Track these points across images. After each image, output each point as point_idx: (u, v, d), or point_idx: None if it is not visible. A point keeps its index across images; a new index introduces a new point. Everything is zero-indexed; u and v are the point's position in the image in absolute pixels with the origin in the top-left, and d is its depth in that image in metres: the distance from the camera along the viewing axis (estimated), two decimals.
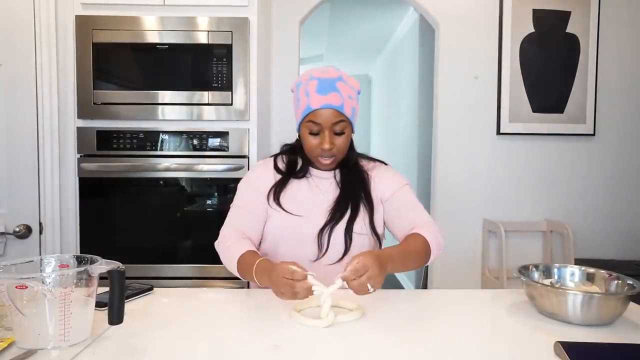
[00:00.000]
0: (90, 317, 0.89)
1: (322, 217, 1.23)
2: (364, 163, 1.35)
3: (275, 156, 1.36)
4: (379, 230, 1.28)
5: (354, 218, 1.23)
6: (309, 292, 0.96)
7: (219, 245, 1.24)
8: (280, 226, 1.24)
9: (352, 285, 0.96)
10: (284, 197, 1.26)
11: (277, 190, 1.27)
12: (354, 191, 1.27)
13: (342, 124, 1.19)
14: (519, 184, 2.69)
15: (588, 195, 2.69)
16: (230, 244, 1.19)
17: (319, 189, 1.28)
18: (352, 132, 1.25)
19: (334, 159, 1.23)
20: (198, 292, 1.27)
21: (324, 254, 1.22)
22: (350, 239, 1.21)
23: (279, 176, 1.30)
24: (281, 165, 1.33)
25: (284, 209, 1.24)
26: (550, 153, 2.68)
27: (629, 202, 2.71)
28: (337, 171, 1.31)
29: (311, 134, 1.20)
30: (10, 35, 1.72)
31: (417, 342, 0.90)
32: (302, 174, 1.30)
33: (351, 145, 1.30)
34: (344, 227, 1.22)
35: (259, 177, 1.31)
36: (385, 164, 1.38)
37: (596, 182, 2.70)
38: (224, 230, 1.25)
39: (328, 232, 1.22)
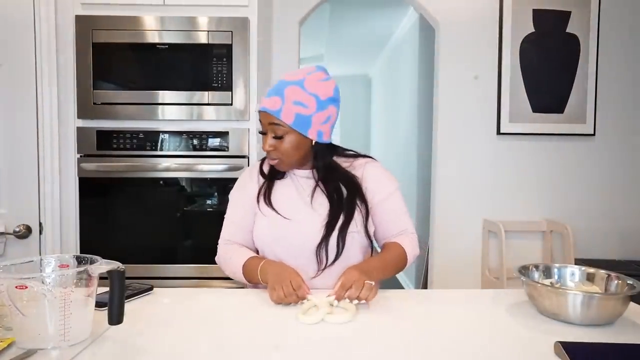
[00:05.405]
0: (90, 317, 0.89)
1: (313, 222, 1.21)
2: (347, 163, 1.30)
3: (262, 160, 1.35)
4: (371, 230, 1.27)
5: (347, 223, 1.21)
6: (296, 301, 1.06)
7: (220, 259, 1.29)
8: (272, 229, 1.23)
9: (350, 293, 1.05)
10: (273, 201, 1.26)
11: (265, 195, 1.27)
12: (344, 201, 1.23)
13: (282, 129, 1.17)
14: (519, 184, 2.69)
15: (588, 195, 2.69)
16: (230, 255, 1.25)
17: (303, 188, 1.27)
18: (313, 137, 1.19)
19: (278, 161, 1.22)
20: (198, 292, 1.27)
21: (323, 269, 1.21)
22: (344, 243, 1.20)
23: (263, 180, 1.30)
24: (266, 168, 1.32)
25: (275, 211, 1.24)
26: (551, 153, 2.68)
27: (628, 202, 2.71)
28: (314, 171, 1.28)
29: (261, 133, 1.23)
30: (10, 35, 1.71)
31: (417, 342, 0.90)
32: (281, 175, 1.30)
33: (323, 152, 1.24)
34: (337, 233, 1.20)
35: (243, 186, 1.32)
36: (373, 159, 1.34)
37: (596, 182, 2.70)
38: (221, 245, 1.31)
39: (325, 246, 1.20)
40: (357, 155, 1.33)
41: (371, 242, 1.29)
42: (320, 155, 1.24)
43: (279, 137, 1.18)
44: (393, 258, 1.23)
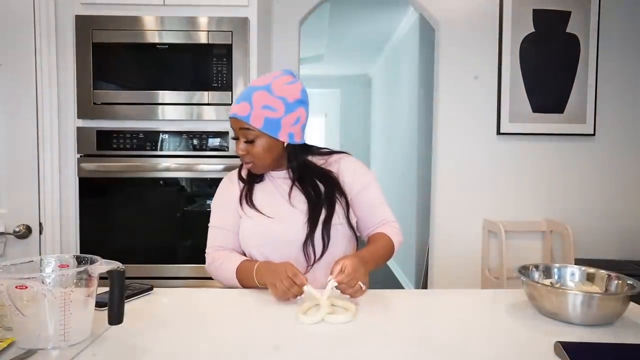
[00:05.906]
0: (90, 317, 0.89)
1: (295, 219, 1.23)
2: (322, 160, 1.32)
3: (241, 166, 1.35)
4: (353, 221, 1.29)
5: (330, 217, 1.24)
6: (300, 292, 1.06)
7: (210, 267, 1.30)
8: (258, 230, 1.25)
9: (348, 291, 1.06)
10: (255, 202, 1.28)
11: (247, 197, 1.29)
12: (323, 196, 1.26)
13: (252, 133, 1.19)
14: (519, 184, 2.69)
15: (588, 195, 2.69)
16: (222, 261, 1.25)
17: (282, 188, 1.29)
18: (284, 139, 1.21)
19: (252, 164, 1.25)
20: (198, 292, 1.27)
21: (312, 265, 1.23)
22: (329, 236, 1.23)
23: (243, 185, 1.32)
24: (245, 173, 1.33)
25: (258, 211, 1.25)
26: (550, 153, 2.68)
27: (628, 202, 2.71)
28: (290, 171, 1.30)
29: (233, 138, 1.25)
30: (10, 35, 1.71)
31: (418, 342, 0.90)
32: (259, 178, 1.32)
33: (296, 153, 1.26)
34: (321, 227, 1.23)
35: (224, 191, 1.34)
36: (347, 154, 1.37)
37: (596, 182, 2.70)
38: (209, 253, 1.31)
39: (310, 241, 1.22)
40: (331, 152, 1.36)
41: (355, 233, 1.32)
42: (293, 155, 1.26)
43: (250, 141, 1.21)
44: (382, 248, 1.26)
